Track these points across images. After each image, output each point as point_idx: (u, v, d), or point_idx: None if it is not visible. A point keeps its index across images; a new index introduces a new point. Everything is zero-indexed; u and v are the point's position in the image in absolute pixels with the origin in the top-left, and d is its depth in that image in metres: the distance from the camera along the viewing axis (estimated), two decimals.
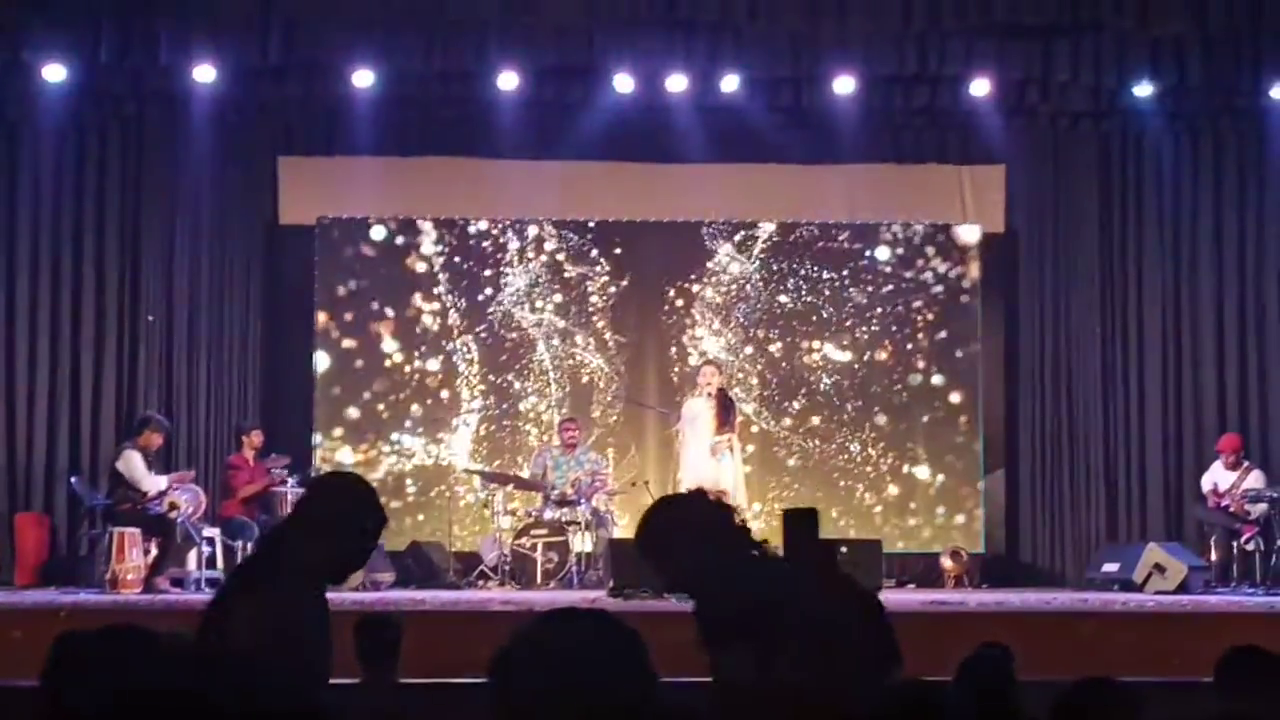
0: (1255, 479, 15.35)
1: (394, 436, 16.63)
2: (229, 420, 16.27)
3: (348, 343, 16.64)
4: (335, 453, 16.48)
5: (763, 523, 16.43)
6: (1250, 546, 14.97)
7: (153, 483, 14.06)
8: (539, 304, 16.82)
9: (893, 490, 16.90)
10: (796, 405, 16.90)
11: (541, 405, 16.78)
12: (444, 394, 16.71)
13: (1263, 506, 15.03)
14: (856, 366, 16.95)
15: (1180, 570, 14.37)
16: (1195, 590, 14.21)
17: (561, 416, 16.31)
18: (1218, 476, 15.52)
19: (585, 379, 16.84)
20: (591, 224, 16.93)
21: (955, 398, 16.96)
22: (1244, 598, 13.81)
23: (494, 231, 16.83)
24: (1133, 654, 10.50)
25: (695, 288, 16.90)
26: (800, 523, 5.68)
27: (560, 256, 16.87)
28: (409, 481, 16.56)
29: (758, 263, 16.95)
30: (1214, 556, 15.11)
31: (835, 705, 3.28)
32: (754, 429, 16.55)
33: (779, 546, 5.48)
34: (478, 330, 16.74)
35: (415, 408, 16.67)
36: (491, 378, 16.75)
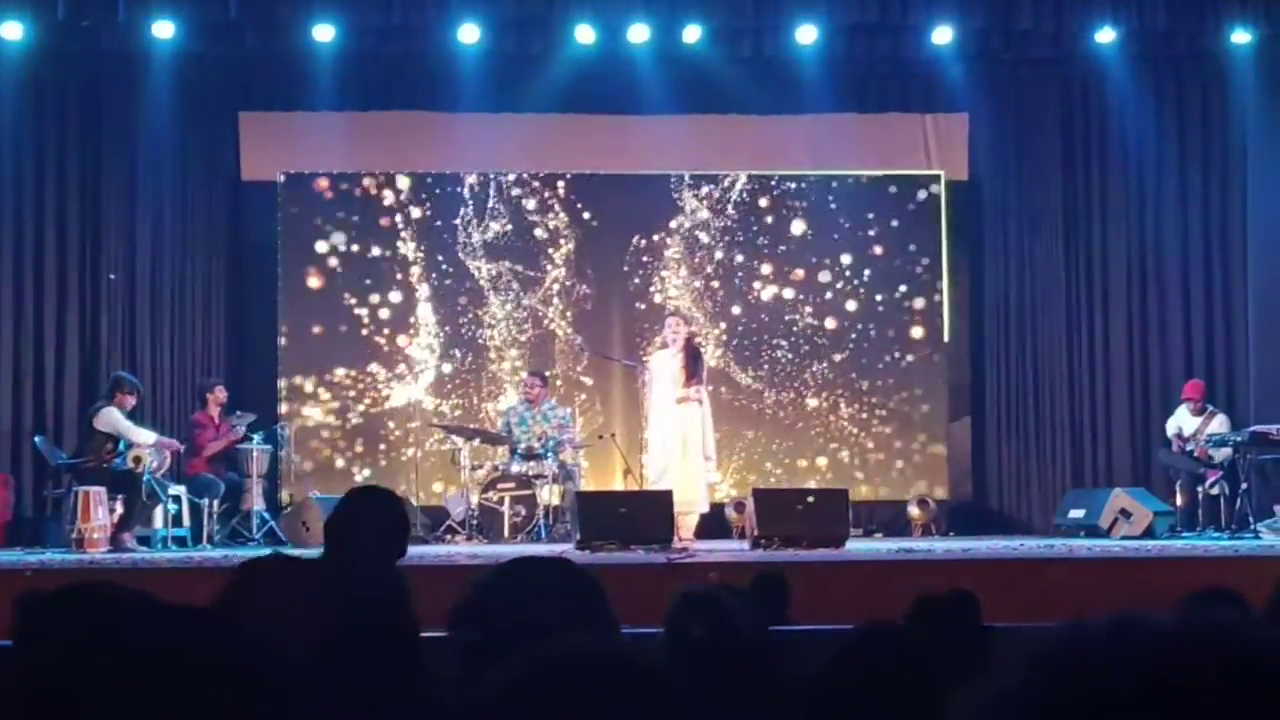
0: (1219, 424, 15.42)
1: (358, 389, 16.58)
2: (193, 378, 16.23)
3: (311, 298, 16.58)
4: (301, 408, 16.44)
5: (732, 476, 16.50)
6: (1215, 491, 15.04)
7: (142, 434, 14.07)
8: (502, 257, 16.77)
9: (859, 438, 16.92)
10: (763, 355, 16.90)
11: (505, 358, 16.75)
12: (407, 346, 16.66)
13: (1227, 451, 15.10)
14: (822, 315, 16.93)
15: (1146, 515, 14.46)
16: (1161, 535, 14.29)
17: (524, 372, 16.29)
18: (1182, 422, 15.58)
19: (550, 332, 16.81)
20: (554, 176, 16.87)
21: (921, 345, 16.97)
22: (1209, 541, 13.89)
23: (456, 185, 16.77)
24: (1099, 599, 10.54)
25: (659, 239, 16.87)
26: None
27: (523, 209, 16.82)
28: (373, 433, 16.53)
29: (722, 213, 16.92)
30: (1179, 501, 15.19)
31: None
32: (720, 379, 16.53)
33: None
34: (441, 284, 16.69)
35: (379, 360, 16.62)
36: (454, 331, 16.71)
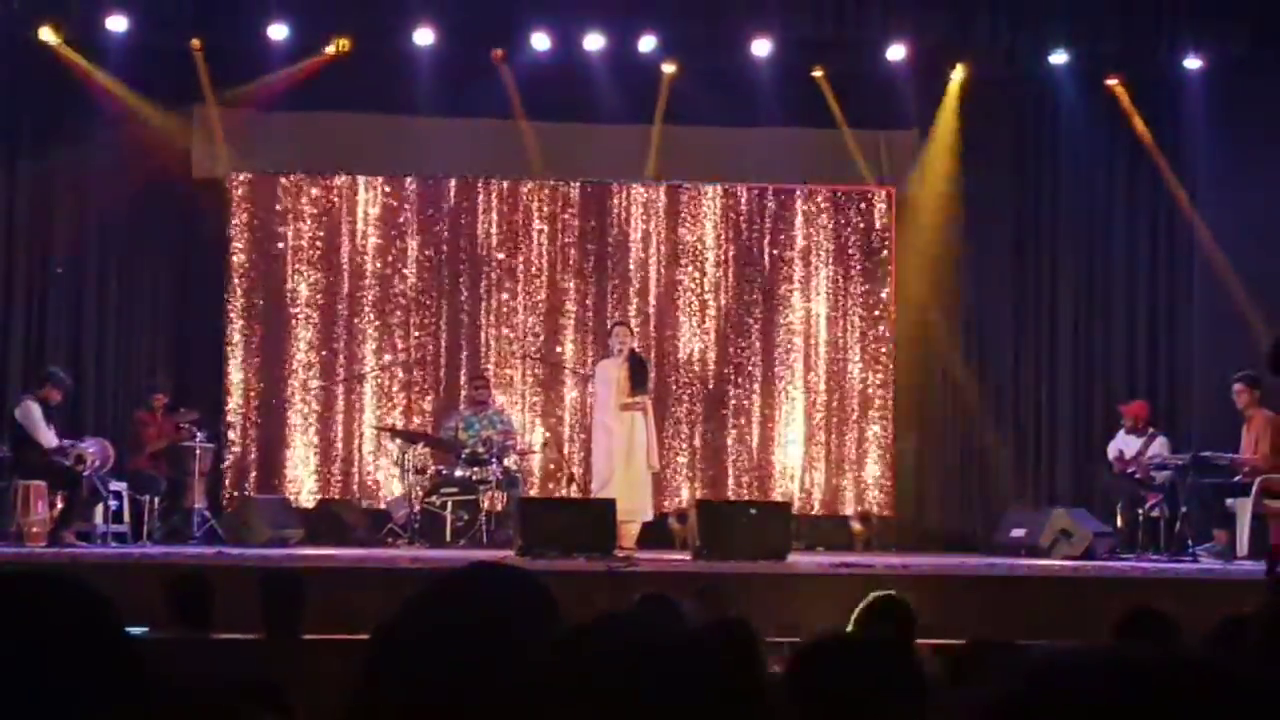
0: (1160, 446, 15.48)
1: (305, 394, 16.53)
2: (139, 374, 16.15)
3: (259, 297, 16.53)
4: (246, 407, 16.40)
5: (677, 488, 16.53)
6: (1155, 513, 15.11)
7: (47, 436, 13.95)
8: (453, 261, 16.75)
9: (803, 453, 16.94)
10: (709, 367, 16.92)
11: (451, 363, 16.72)
12: (357, 349, 16.63)
13: (1167, 474, 15.17)
14: (770, 328, 16.96)
15: (1086, 536, 14.51)
16: (1100, 556, 14.36)
17: (471, 375, 16.30)
18: (1122, 444, 15.64)
19: (498, 338, 16.79)
20: (506, 182, 16.86)
21: (867, 360, 17.02)
22: (1147, 564, 13.97)
23: (408, 188, 16.76)
24: (1036, 617, 10.62)
25: (610, 248, 16.88)
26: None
27: (474, 215, 16.80)
28: (318, 434, 16.49)
29: (673, 223, 16.93)
30: (1119, 523, 15.25)
31: None
32: (667, 391, 16.56)
33: None
34: (389, 285, 16.66)
35: (325, 362, 16.58)
36: (401, 335, 16.67)
